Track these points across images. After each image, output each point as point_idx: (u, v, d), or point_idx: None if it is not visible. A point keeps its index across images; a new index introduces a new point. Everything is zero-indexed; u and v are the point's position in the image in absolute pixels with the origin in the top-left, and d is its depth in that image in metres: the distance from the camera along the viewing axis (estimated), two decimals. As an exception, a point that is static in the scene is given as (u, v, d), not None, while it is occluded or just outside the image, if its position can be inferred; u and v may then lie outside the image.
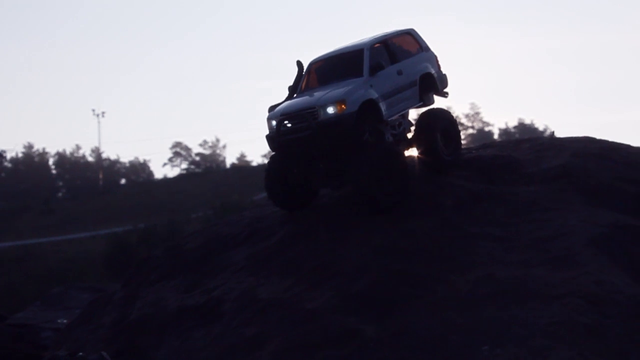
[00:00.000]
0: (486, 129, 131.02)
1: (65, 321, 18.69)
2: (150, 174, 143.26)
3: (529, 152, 16.95)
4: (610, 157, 16.28)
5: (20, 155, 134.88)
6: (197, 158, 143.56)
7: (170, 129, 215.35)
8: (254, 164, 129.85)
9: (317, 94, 15.09)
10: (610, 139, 17.76)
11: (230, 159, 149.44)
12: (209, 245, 16.31)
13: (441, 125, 16.09)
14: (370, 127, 15.17)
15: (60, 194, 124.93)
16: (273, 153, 15.76)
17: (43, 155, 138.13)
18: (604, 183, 15.46)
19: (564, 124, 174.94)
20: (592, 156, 16.24)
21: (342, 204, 15.69)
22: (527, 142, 17.99)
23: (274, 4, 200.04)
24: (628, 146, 17.26)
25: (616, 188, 15.29)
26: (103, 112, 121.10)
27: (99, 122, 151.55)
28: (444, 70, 16.97)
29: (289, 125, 14.87)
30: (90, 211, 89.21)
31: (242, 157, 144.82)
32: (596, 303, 12.11)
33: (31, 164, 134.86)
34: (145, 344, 14.16)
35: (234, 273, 14.89)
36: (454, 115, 16.86)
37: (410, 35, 16.75)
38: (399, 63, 16.01)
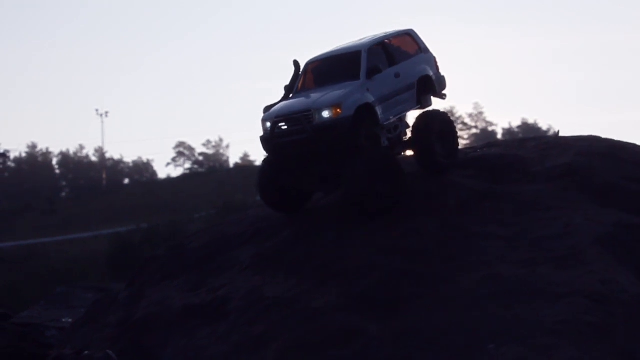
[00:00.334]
0: (490, 128, 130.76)
1: (69, 320, 18.70)
2: (154, 173, 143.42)
3: (533, 151, 16.88)
4: (616, 156, 16.20)
5: (23, 155, 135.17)
6: (201, 158, 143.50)
7: (174, 129, 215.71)
8: (258, 163, 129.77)
9: (313, 96, 14.95)
10: (616, 139, 17.71)
11: (233, 158, 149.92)
12: (213, 245, 16.30)
13: (437, 127, 15.86)
14: (366, 132, 14.99)
15: (63, 194, 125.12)
16: (267, 155, 15.58)
17: (46, 155, 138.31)
18: (610, 182, 15.39)
19: (568, 123, 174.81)
20: (598, 155, 16.18)
21: (344, 204, 15.68)
22: (532, 141, 17.93)
23: (276, 4, 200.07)
24: (634, 145, 17.18)
25: (621, 187, 15.23)
26: (106, 112, 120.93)
27: (102, 122, 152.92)
28: (443, 72, 16.80)
29: (284, 127, 14.72)
30: (93, 211, 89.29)
31: (245, 157, 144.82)
32: (601, 302, 12.10)
33: (34, 163, 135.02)
34: (150, 343, 14.17)
35: (239, 272, 14.89)
36: (454, 116, 16.82)
37: (409, 36, 16.54)
38: (397, 65, 15.79)
